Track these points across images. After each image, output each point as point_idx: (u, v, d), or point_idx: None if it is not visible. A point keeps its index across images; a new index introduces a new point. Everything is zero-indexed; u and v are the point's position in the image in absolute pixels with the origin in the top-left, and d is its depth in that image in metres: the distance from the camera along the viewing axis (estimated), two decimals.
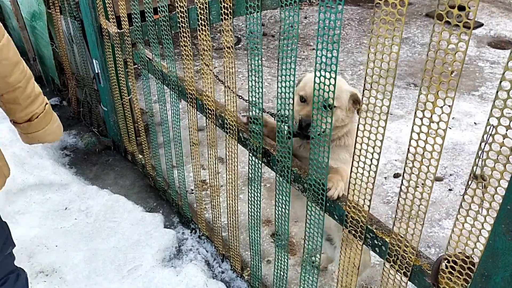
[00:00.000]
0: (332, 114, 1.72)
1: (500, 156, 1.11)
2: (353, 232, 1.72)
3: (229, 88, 2.18)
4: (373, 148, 1.49)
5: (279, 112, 1.85)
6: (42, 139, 2.03)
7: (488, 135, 1.14)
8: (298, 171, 1.91)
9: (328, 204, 1.80)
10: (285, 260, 2.33)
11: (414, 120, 1.28)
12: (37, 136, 2.01)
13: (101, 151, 4.21)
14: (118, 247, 2.99)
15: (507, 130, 1.08)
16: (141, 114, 3.56)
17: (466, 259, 1.32)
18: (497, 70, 5.51)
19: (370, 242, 1.66)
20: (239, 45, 6.36)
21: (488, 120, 1.13)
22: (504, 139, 1.10)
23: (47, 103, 1.99)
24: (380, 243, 1.62)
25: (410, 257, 1.51)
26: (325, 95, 1.61)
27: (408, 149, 1.35)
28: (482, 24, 6.69)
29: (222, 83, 2.27)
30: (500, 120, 1.09)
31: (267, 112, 2.18)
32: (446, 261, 1.37)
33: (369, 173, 1.56)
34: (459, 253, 1.34)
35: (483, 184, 1.19)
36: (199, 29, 2.18)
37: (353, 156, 1.59)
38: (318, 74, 1.57)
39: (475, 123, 4.45)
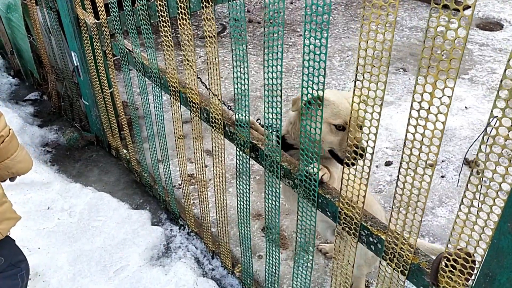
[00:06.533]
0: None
1: (505, 150, 1.03)
2: (347, 229, 1.64)
3: (212, 92, 2.07)
4: (367, 142, 1.40)
5: (268, 121, 1.78)
6: (11, 168, 1.85)
7: (491, 128, 1.05)
8: (288, 166, 1.82)
9: (320, 200, 1.71)
10: (277, 254, 2.26)
11: (411, 106, 1.19)
12: (6, 166, 1.83)
13: (84, 147, 4.07)
14: (104, 247, 2.89)
15: None
16: (123, 107, 3.43)
17: (467, 257, 1.24)
18: (486, 52, 5.45)
19: (365, 240, 1.59)
20: (224, 33, 6.22)
21: (491, 111, 1.04)
22: (509, 131, 1.02)
23: (10, 128, 1.83)
24: (375, 241, 1.55)
25: (408, 255, 1.43)
26: (360, 119, 1.62)
27: (405, 137, 1.25)
28: (470, 6, 6.62)
29: (204, 86, 2.16)
30: (504, 111, 1.01)
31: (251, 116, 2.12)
32: (446, 259, 1.30)
33: (363, 168, 1.47)
34: (459, 250, 1.27)
35: (477, 170, 1.11)
36: (179, 18, 2.06)
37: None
38: (355, 100, 1.53)
39: (466, 107, 4.39)
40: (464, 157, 3.57)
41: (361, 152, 1.69)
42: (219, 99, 2.08)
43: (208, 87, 2.07)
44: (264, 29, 1.56)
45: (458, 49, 1.04)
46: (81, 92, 3.80)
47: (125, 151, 3.71)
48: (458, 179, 3.37)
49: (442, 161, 3.68)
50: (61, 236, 2.99)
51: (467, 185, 1.15)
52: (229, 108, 2.25)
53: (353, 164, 1.79)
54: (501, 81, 0.98)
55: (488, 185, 1.10)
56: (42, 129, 4.27)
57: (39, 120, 4.48)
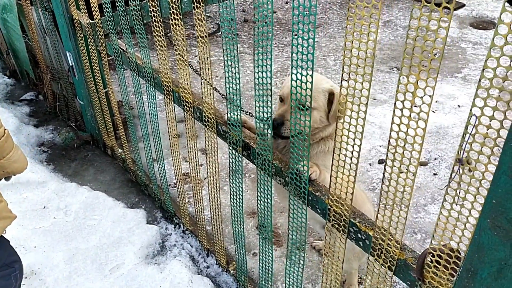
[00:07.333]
0: (310, 115, 1.60)
1: (484, 147, 1.06)
2: (336, 226, 1.67)
3: (206, 80, 2.09)
4: (353, 140, 1.42)
5: (258, 113, 1.80)
6: (7, 168, 1.86)
7: (472, 126, 1.08)
8: (279, 165, 1.85)
9: (310, 198, 1.74)
10: (271, 252, 2.29)
11: (395, 104, 1.22)
12: (2, 166, 1.84)
13: (79, 146, 4.09)
14: (99, 245, 2.91)
15: (491, 120, 1.03)
16: (118, 107, 3.45)
17: (451, 252, 1.27)
18: (479, 51, 5.48)
19: (354, 236, 1.62)
20: (220, 32, 6.24)
21: (471, 109, 1.07)
22: (488, 129, 1.05)
23: (5, 128, 1.85)
24: (363, 237, 1.58)
25: (395, 251, 1.47)
26: (301, 96, 1.65)
27: (390, 134, 1.28)
28: (464, 5, 6.65)
29: (198, 74, 2.18)
30: (483, 110, 1.04)
31: (246, 112, 2.13)
32: (431, 255, 1.33)
33: (350, 165, 1.50)
34: (443, 246, 1.30)
35: (468, 168, 1.14)
36: (171, 18, 2.09)
37: (334, 145, 1.53)
38: (295, 73, 1.52)
39: (458, 105, 4.43)
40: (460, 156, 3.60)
41: (276, 124, 1.85)
42: (214, 88, 2.10)
43: (201, 75, 2.08)
44: (254, 29, 1.59)
45: (438, 49, 1.07)
46: (76, 92, 3.82)
47: (120, 150, 3.73)
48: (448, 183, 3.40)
49: (435, 159, 3.72)
50: (57, 235, 3.01)
51: (449, 182, 1.18)
52: (222, 95, 2.26)
53: (275, 136, 1.91)
54: (479, 80, 1.01)
55: (469, 182, 1.13)
56: (37, 129, 4.28)
57: (35, 120, 4.49)
